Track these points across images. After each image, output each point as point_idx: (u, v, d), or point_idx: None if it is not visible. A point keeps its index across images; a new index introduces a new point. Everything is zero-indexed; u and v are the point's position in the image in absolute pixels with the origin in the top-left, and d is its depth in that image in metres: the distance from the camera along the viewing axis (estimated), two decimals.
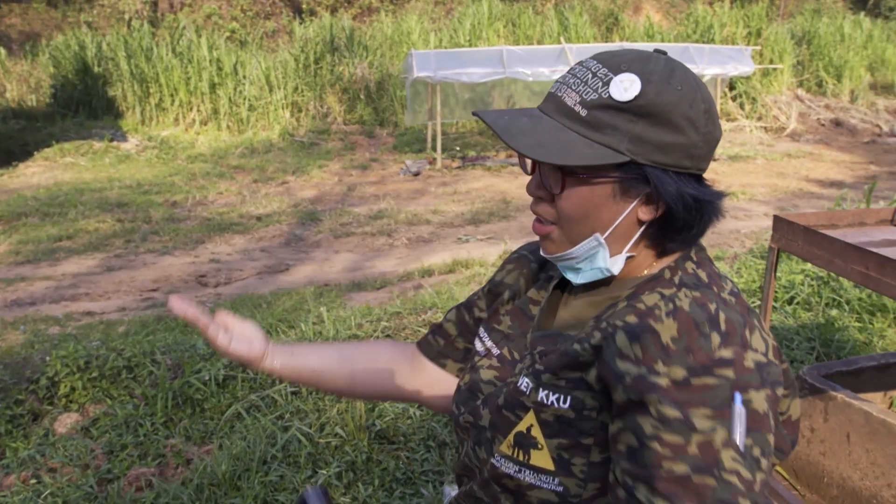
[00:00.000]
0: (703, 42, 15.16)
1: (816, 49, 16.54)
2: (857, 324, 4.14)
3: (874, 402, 2.54)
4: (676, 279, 0.95)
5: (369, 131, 13.71)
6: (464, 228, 8.15)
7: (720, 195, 0.98)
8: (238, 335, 1.20)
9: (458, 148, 12.78)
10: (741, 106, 14.96)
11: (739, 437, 0.80)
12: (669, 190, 0.92)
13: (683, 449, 0.79)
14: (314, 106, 14.02)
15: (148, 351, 3.78)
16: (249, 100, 13.75)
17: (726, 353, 0.83)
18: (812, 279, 4.56)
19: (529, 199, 1.02)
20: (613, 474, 0.85)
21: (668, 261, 0.99)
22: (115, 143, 12.39)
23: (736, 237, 7.15)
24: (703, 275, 0.96)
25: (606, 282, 1.01)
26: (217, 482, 2.84)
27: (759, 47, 15.07)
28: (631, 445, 0.83)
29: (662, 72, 0.91)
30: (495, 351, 1.10)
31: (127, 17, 17.10)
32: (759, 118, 14.79)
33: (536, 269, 1.17)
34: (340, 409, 3.28)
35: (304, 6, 18.30)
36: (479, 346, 1.14)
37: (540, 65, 11.29)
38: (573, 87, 0.93)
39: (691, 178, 0.94)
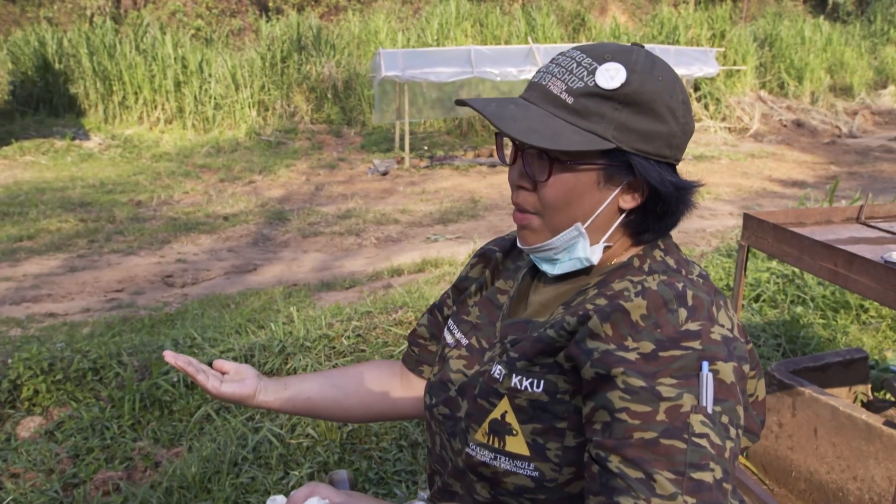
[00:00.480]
0: (669, 43, 15.35)
1: (778, 51, 16.84)
2: (821, 320, 4.21)
3: (840, 397, 2.59)
4: (646, 267, 0.97)
5: (337, 130, 13.64)
6: (433, 228, 8.15)
7: (696, 184, 1.00)
8: (230, 377, 1.20)
9: (426, 147, 12.77)
10: (706, 106, 15.17)
11: (708, 403, 0.81)
12: (653, 177, 0.94)
13: (652, 416, 0.80)
14: (281, 105, 13.91)
15: (114, 352, 3.71)
16: (215, 98, 13.59)
17: (693, 326, 0.84)
18: (778, 277, 4.64)
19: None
20: (588, 453, 0.86)
21: (637, 249, 1.00)
22: (77, 142, 12.16)
23: (702, 236, 7.24)
24: (671, 261, 0.98)
25: (578, 269, 1.02)
26: (187, 485, 2.80)
27: (722, 49, 15.30)
28: (604, 421, 0.84)
29: (645, 63, 0.93)
30: (464, 341, 1.11)
31: (89, 13, 16.79)
32: (724, 119, 15.01)
33: (501, 258, 1.18)
34: None
35: (270, 4, 18.15)
36: (448, 338, 1.15)
37: (508, 65, 11.33)
38: (558, 76, 0.93)
39: (669, 167, 0.96)
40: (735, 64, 15.74)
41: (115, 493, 2.84)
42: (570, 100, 0.91)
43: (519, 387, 0.94)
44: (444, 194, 9.70)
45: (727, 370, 0.83)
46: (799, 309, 4.29)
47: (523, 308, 1.07)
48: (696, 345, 0.83)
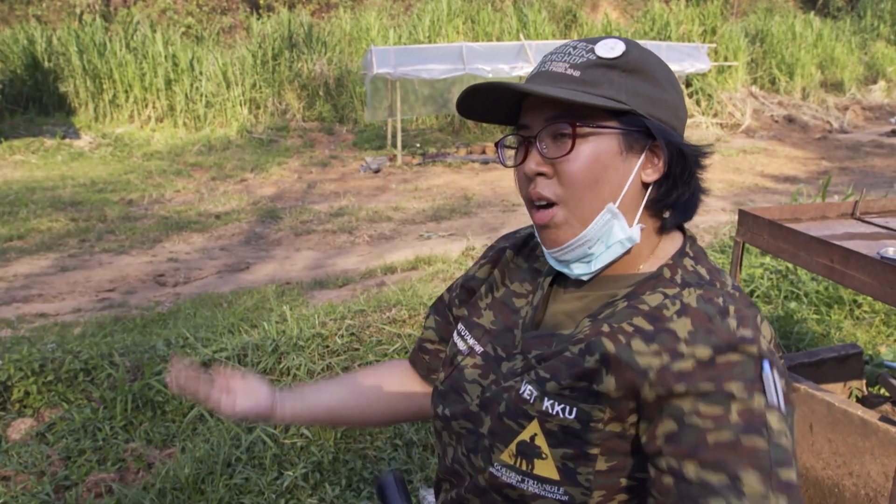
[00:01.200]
0: (660, 39, 15.36)
1: (769, 47, 16.88)
2: (815, 316, 4.22)
3: (835, 393, 2.58)
4: (678, 278, 0.92)
5: (329, 128, 13.60)
6: (425, 225, 8.13)
7: (708, 150, 0.97)
8: (241, 393, 1.16)
9: (418, 145, 12.74)
10: (697, 102, 15.19)
11: (781, 402, 0.78)
12: (671, 141, 0.92)
13: (725, 419, 0.77)
14: (273, 103, 13.86)
15: (106, 353, 3.68)
16: (206, 96, 13.53)
17: (746, 333, 0.81)
18: (771, 273, 4.64)
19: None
20: (655, 468, 0.82)
21: (663, 254, 0.97)
22: (67, 141, 12.10)
23: (695, 232, 7.24)
24: (703, 271, 0.94)
25: (602, 278, 0.98)
26: (180, 486, 2.78)
27: (714, 45, 15.31)
28: (670, 431, 0.80)
29: (636, 42, 0.95)
30: (478, 349, 1.05)
31: (78, 10, 16.69)
32: (715, 115, 15.03)
33: (512, 256, 1.12)
34: None
35: (261, 2, 18.08)
36: (460, 344, 1.09)
37: (500, 61, 11.31)
38: (558, 60, 0.93)
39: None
40: (726, 60, 15.77)
41: (108, 495, 2.81)
42: (576, 73, 0.91)
43: (551, 411, 0.90)
44: (436, 191, 9.68)
45: (778, 380, 0.81)
46: (793, 304, 4.29)
47: (542, 317, 1.02)
48: (754, 350, 0.80)
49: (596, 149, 0.90)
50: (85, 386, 3.51)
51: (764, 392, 0.78)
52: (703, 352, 0.80)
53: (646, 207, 0.95)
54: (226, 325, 4.24)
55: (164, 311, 5.31)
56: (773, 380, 0.79)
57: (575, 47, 0.93)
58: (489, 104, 0.97)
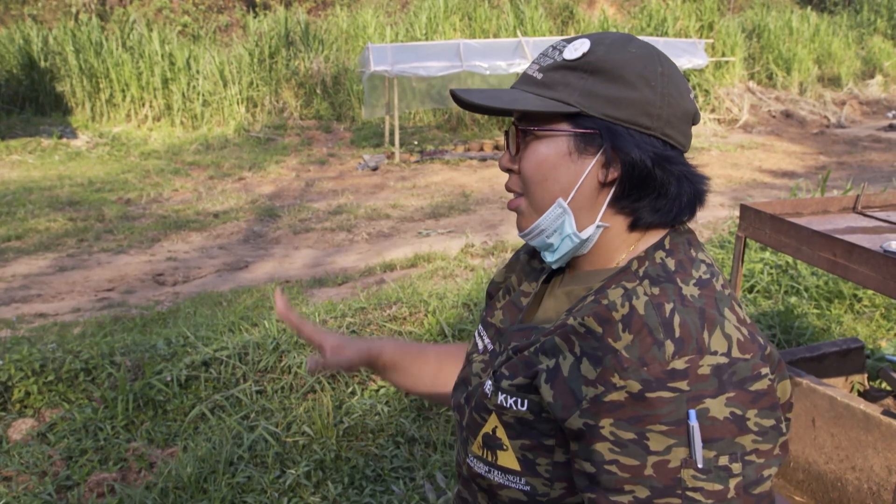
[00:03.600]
0: (657, 35, 15.34)
1: (766, 42, 16.88)
2: (815, 311, 4.22)
3: (837, 387, 2.59)
4: (641, 271, 0.92)
5: (326, 126, 13.58)
6: (424, 223, 8.12)
7: (683, 151, 0.96)
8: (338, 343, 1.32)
9: (416, 142, 12.73)
10: (695, 98, 15.19)
11: (697, 456, 0.80)
12: (623, 145, 0.90)
13: (640, 471, 0.80)
14: (270, 101, 13.84)
15: (106, 352, 3.68)
16: (203, 95, 13.51)
17: (679, 364, 0.81)
18: (771, 267, 4.64)
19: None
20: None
21: (641, 248, 0.96)
22: (64, 140, 12.07)
23: (693, 227, 7.24)
24: (671, 263, 0.92)
25: (585, 273, 0.99)
26: (182, 485, 2.77)
27: (711, 40, 15.30)
28: (589, 472, 0.85)
29: (619, 39, 0.94)
30: (490, 347, 1.09)
31: (74, 10, 16.66)
32: (713, 110, 15.03)
33: (526, 259, 1.16)
34: (307, 407, 3.23)
35: (257, 0, 18.04)
36: (479, 343, 1.13)
37: (497, 58, 11.30)
38: (536, 62, 0.98)
39: (657, 141, 0.92)
40: (724, 55, 15.77)
41: (110, 495, 2.81)
42: (539, 76, 0.94)
43: (504, 404, 0.94)
44: (434, 189, 9.67)
45: (718, 406, 0.80)
46: (793, 299, 4.30)
47: (535, 312, 1.06)
48: (684, 385, 0.80)
49: (546, 150, 0.94)
50: (86, 386, 3.51)
51: (685, 443, 0.80)
52: (634, 386, 0.82)
53: (611, 205, 0.95)
54: (226, 323, 4.24)
55: (163, 311, 5.31)
56: (694, 432, 0.80)
57: (554, 48, 0.96)
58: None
